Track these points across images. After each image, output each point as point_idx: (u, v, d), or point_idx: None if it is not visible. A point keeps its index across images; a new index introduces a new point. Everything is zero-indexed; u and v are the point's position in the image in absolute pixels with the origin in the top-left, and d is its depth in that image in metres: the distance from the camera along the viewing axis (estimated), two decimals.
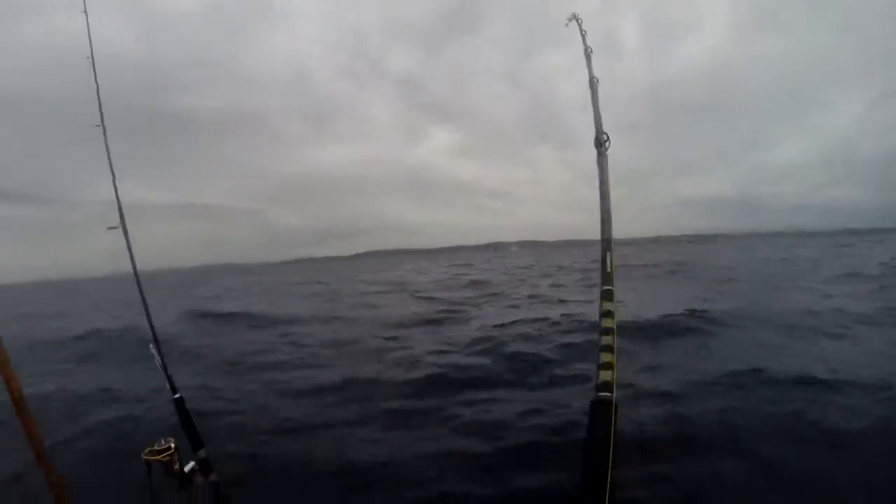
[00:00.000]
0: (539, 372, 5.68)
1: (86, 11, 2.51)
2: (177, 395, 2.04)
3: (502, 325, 8.67)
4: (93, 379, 6.30)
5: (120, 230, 2.23)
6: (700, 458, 3.35)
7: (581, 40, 2.27)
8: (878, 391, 4.32)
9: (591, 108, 1.93)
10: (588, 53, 2.20)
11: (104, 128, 2.39)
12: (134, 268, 2.33)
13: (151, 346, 2.07)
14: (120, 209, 2.28)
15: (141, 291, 2.30)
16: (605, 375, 1.08)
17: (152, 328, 2.17)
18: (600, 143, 1.77)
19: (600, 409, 1.02)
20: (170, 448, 1.81)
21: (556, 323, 8.48)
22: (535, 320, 8.89)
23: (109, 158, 2.40)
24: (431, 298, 14.61)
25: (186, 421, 2.01)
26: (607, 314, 1.25)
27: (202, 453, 1.96)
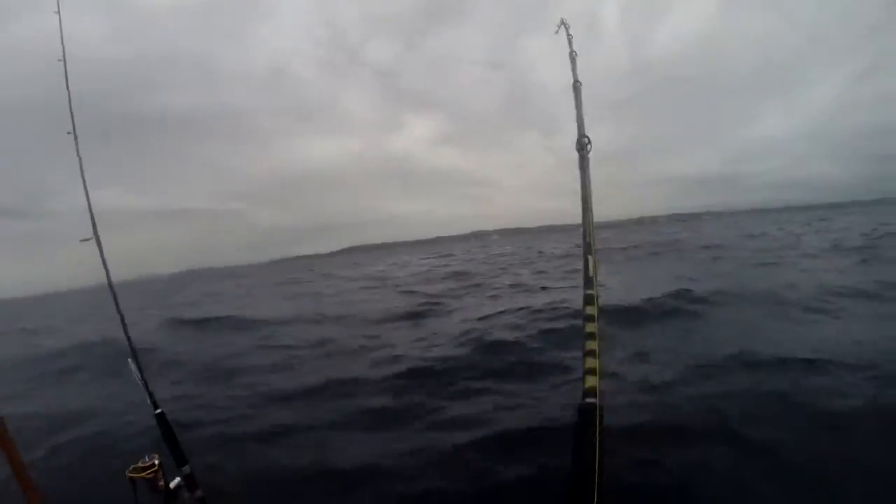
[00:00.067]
0: (522, 363, 5.74)
1: (59, 11, 2.42)
2: (158, 411, 2.02)
3: (484, 318, 8.71)
4: (71, 395, 6.20)
5: (94, 241, 2.20)
6: (689, 444, 3.36)
7: (567, 44, 2.34)
8: (866, 370, 4.35)
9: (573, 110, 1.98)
10: (573, 57, 2.25)
11: (76, 135, 2.33)
12: (109, 281, 2.29)
13: (130, 361, 2.04)
14: (93, 220, 2.23)
15: (117, 305, 2.27)
16: (590, 381, 1.09)
17: (130, 343, 2.14)
18: (582, 146, 1.79)
19: (587, 415, 1.04)
20: (154, 465, 1.80)
21: (537, 311, 8.57)
22: (518, 309, 8.97)
23: (81, 168, 2.33)
24: (412, 292, 14.60)
25: (169, 436, 1.99)
26: (590, 318, 1.26)
27: (187, 469, 1.94)
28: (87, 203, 2.26)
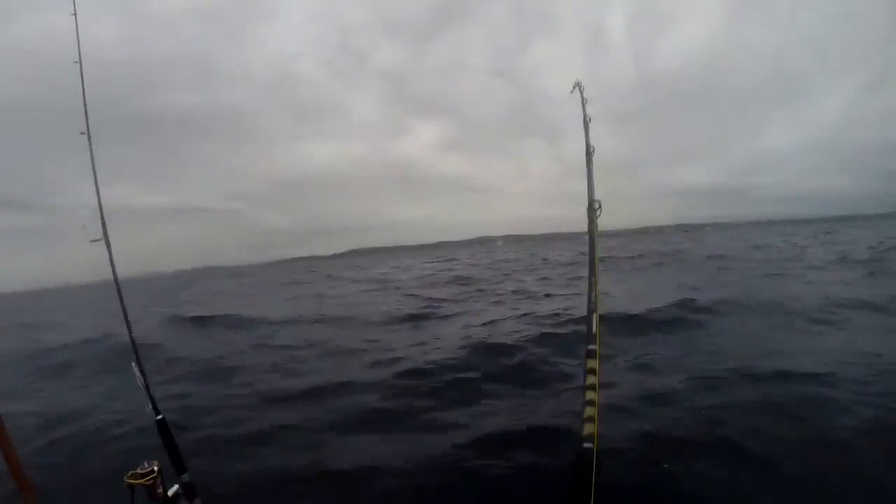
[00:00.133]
0: (521, 368, 5.72)
1: (75, 13, 2.38)
2: (159, 417, 1.99)
3: (485, 323, 8.70)
4: (70, 395, 6.20)
5: (103, 242, 2.17)
6: (690, 457, 3.30)
7: (581, 108, 2.31)
8: (870, 384, 4.28)
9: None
10: (587, 122, 2.22)
11: (89, 136, 2.28)
12: (117, 285, 2.25)
13: (133, 364, 2.02)
14: (103, 221, 2.20)
15: (124, 310, 2.22)
16: (588, 427, 1.15)
17: (134, 346, 2.12)
18: (592, 209, 1.82)
19: (583, 460, 1.08)
20: (153, 471, 1.77)
21: (540, 317, 8.55)
22: (522, 315, 8.94)
23: (94, 169, 2.29)
24: (414, 296, 14.61)
25: (169, 443, 1.96)
26: (591, 371, 1.31)
27: (186, 477, 1.92)
28: (98, 204, 2.24)
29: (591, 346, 1.39)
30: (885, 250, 18.44)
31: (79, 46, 2.34)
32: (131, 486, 1.74)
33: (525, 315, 8.95)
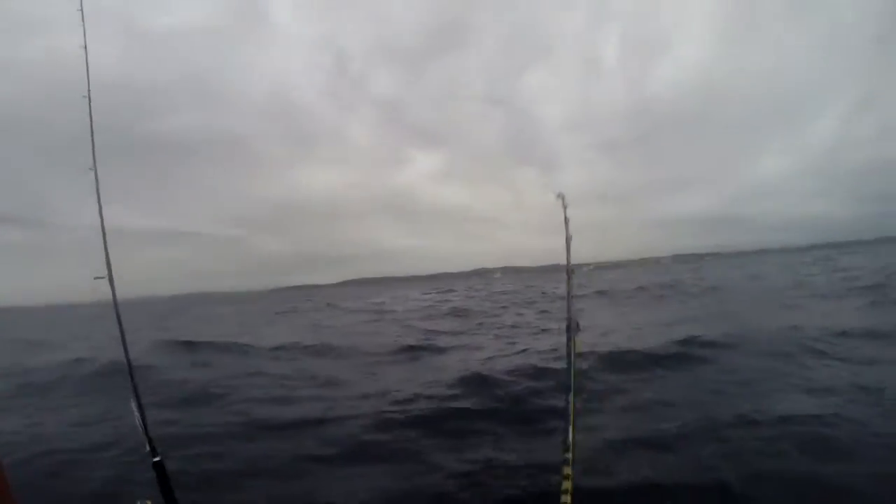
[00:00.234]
0: (516, 405, 5.64)
1: (85, 47, 2.31)
2: (157, 459, 1.93)
3: (483, 359, 8.56)
4: (65, 422, 6.06)
5: (107, 280, 2.16)
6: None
7: (563, 213, 2.49)
8: (875, 425, 4.17)
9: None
10: (568, 241, 2.40)
11: (96, 172, 2.21)
12: (118, 320, 2.22)
13: (132, 402, 1.98)
14: (107, 259, 2.18)
15: (124, 343, 2.19)
16: (565, 484, 1.38)
17: (134, 385, 2.06)
18: (570, 328, 1.97)
19: None
20: None
21: (538, 352, 8.45)
22: (520, 352, 8.85)
23: (99, 203, 2.21)
24: (411, 327, 14.50)
25: (165, 487, 1.92)
26: (566, 448, 1.58)
27: None
28: (103, 243, 2.19)
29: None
30: (888, 276, 18.54)
31: (88, 82, 2.27)
32: None
33: (524, 351, 8.85)
